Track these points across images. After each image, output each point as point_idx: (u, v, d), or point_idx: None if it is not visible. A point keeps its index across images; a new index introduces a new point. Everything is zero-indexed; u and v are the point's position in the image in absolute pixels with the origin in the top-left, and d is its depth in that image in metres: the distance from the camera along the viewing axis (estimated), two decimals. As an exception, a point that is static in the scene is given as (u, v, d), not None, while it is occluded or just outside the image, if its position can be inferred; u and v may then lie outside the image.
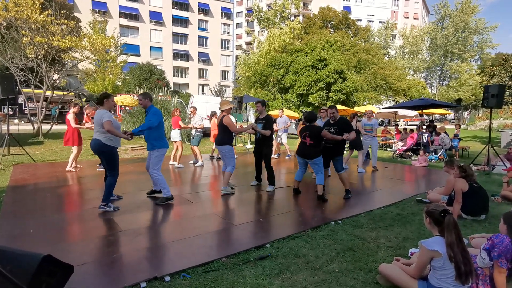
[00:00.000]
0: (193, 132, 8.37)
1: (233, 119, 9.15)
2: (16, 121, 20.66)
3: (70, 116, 6.93)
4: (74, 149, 6.99)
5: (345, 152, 10.36)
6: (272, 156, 9.95)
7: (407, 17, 61.19)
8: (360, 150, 8.03)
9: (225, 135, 5.27)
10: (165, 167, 7.73)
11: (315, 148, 4.95)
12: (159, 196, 4.78)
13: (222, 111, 5.34)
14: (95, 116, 4.21)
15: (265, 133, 5.53)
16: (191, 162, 8.44)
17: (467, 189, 4.09)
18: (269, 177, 5.65)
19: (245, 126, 5.90)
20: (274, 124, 10.12)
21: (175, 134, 7.97)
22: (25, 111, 21.66)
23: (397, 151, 11.03)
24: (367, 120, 8.06)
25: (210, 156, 9.67)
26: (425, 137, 10.58)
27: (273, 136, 6.13)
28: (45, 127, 13.86)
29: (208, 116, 10.09)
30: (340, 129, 5.14)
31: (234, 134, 5.71)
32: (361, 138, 8.18)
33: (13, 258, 2.06)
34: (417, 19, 62.15)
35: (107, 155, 4.26)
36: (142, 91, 14.68)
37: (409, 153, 10.73)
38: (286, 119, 10.12)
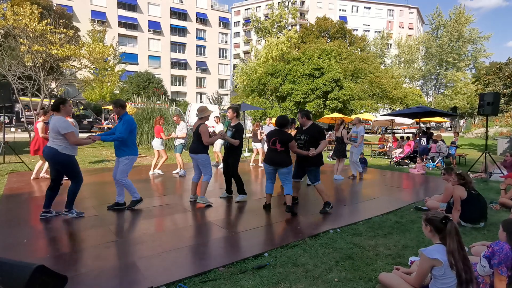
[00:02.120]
0: (177, 140, 8.05)
1: (220, 127, 9.10)
2: (13, 129, 20.55)
3: (39, 125, 6.58)
4: (42, 158, 6.58)
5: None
6: (259, 164, 9.80)
7: (402, 27, 62.27)
8: (343, 158, 7.99)
9: (200, 144, 4.95)
10: (161, 176, 7.67)
11: (286, 154, 4.57)
12: (121, 208, 4.65)
13: (200, 118, 5.05)
14: (51, 123, 3.95)
15: (233, 142, 5.15)
16: (174, 172, 8.01)
17: (465, 197, 4.08)
18: (237, 187, 5.36)
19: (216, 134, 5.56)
20: (260, 132, 9.94)
21: (156, 143, 7.76)
22: (22, 120, 21.57)
23: (395, 159, 11.06)
24: (355, 128, 8.15)
25: None
26: (423, 141, 10.57)
27: (242, 145, 5.69)
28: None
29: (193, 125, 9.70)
30: (310, 136, 4.64)
31: (227, 143, 5.36)
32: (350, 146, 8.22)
33: (5, 268, 2.01)
34: (412, 28, 63.24)
35: (64, 165, 4.04)
36: (140, 99, 14.75)
37: (406, 161, 10.75)
38: (272, 128, 9.85)
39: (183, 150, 8.15)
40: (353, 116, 20.81)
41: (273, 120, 13.30)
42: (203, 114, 5.02)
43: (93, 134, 15.06)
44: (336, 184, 7.15)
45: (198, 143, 4.97)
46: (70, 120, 6.23)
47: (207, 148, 5.08)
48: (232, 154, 5.34)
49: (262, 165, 9.56)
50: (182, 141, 8.01)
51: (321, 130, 4.87)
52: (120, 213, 4.45)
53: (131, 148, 4.49)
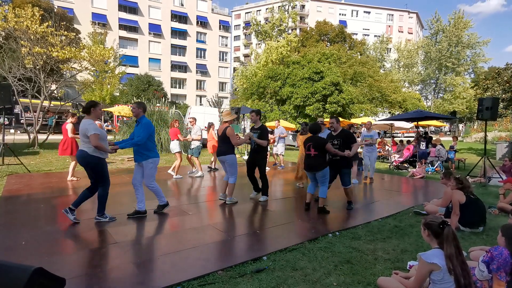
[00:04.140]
0: (193, 143, 8.24)
1: None
2: (12, 131, 20.54)
3: (68, 126, 6.89)
4: (72, 159, 7.04)
5: None
6: (268, 167, 9.99)
7: (402, 32, 62.58)
8: (354, 160, 8.05)
9: (227, 145, 5.17)
10: (162, 178, 7.67)
11: (320, 159, 4.81)
12: (141, 216, 4.46)
13: (225, 122, 5.29)
14: (81, 126, 3.98)
15: (261, 143, 5.41)
16: (188, 172, 8.36)
17: (464, 201, 4.08)
18: (263, 187, 5.61)
19: (242, 137, 5.77)
20: (271, 135, 10.27)
21: (174, 146, 7.87)
22: (22, 121, 21.57)
23: (394, 163, 11.07)
24: (367, 132, 8.08)
25: (208, 167, 9.59)
26: (423, 145, 10.60)
27: (268, 147, 6.08)
28: (41, 137, 13.78)
29: (205, 127, 10.08)
30: (343, 141, 5.02)
31: (254, 145, 5.61)
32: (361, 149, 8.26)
33: (3, 270, 2.00)
34: (411, 33, 63.56)
35: (94, 167, 4.03)
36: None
37: (405, 165, 10.76)
38: (282, 130, 10.21)
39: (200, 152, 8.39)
40: (353, 120, 20.84)
41: (282, 122, 13.43)
42: (228, 117, 5.30)
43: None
44: (336, 187, 7.13)
45: (225, 145, 5.19)
46: (98, 122, 6.54)
47: (234, 149, 5.33)
48: (260, 155, 5.58)
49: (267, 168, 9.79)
50: (198, 143, 8.15)
51: (352, 135, 5.23)
52: (118, 216, 4.43)
53: (152, 151, 4.44)
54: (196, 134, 8.11)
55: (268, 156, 10.12)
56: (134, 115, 4.47)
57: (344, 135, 5.08)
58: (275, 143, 10.30)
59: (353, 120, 20.76)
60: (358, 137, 8.44)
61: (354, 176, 7.86)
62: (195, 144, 8.17)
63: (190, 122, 8.47)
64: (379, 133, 33.10)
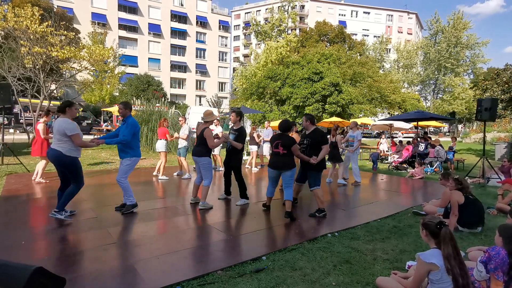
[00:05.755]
0: (180, 143, 8.06)
1: (219, 129, 9.12)
2: (11, 130, 20.52)
3: (40, 127, 6.56)
4: (44, 159, 6.62)
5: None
6: (256, 167, 9.85)
7: (401, 32, 62.67)
8: (339, 162, 7.88)
9: (204, 147, 4.99)
10: (150, 179, 7.61)
11: (289, 157, 4.54)
12: (135, 211, 4.64)
13: (205, 122, 5.11)
14: (55, 125, 3.99)
15: (236, 145, 5.17)
16: (176, 174, 8.15)
17: (463, 202, 4.10)
18: (240, 191, 5.35)
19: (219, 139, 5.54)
20: (258, 136, 10.08)
21: (160, 145, 7.71)
22: (21, 121, 21.55)
23: (393, 163, 11.08)
24: (351, 132, 7.98)
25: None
26: (422, 146, 10.63)
27: (244, 148, 5.71)
28: (41, 136, 13.77)
29: (194, 128, 9.88)
30: (312, 141, 4.69)
31: (229, 146, 5.36)
32: (340, 150, 8.15)
33: (3, 270, 2.01)
34: (411, 34, 63.65)
35: (70, 166, 4.07)
36: (139, 102, 14.76)
37: (404, 165, 10.78)
38: (269, 132, 10.03)
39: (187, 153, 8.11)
40: (352, 120, 20.83)
41: (272, 123, 13.46)
42: (208, 118, 5.06)
43: (95, 136, 15.05)
44: (335, 188, 7.16)
45: (202, 147, 5.00)
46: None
47: (210, 152, 5.14)
48: (234, 157, 5.36)
49: (255, 169, 9.67)
50: (185, 143, 7.99)
51: (324, 135, 4.86)
52: (118, 216, 4.45)
53: (134, 150, 4.57)
54: (183, 133, 7.94)
55: (254, 157, 9.93)
56: (121, 115, 4.62)
57: (315, 135, 4.74)
58: (261, 144, 10.16)
59: (351, 121, 20.73)
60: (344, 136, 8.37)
61: (340, 177, 7.66)
62: (182, 144, 7.98)
63: (180, 121, 8.34)
64: (378, 134, 33.05)
